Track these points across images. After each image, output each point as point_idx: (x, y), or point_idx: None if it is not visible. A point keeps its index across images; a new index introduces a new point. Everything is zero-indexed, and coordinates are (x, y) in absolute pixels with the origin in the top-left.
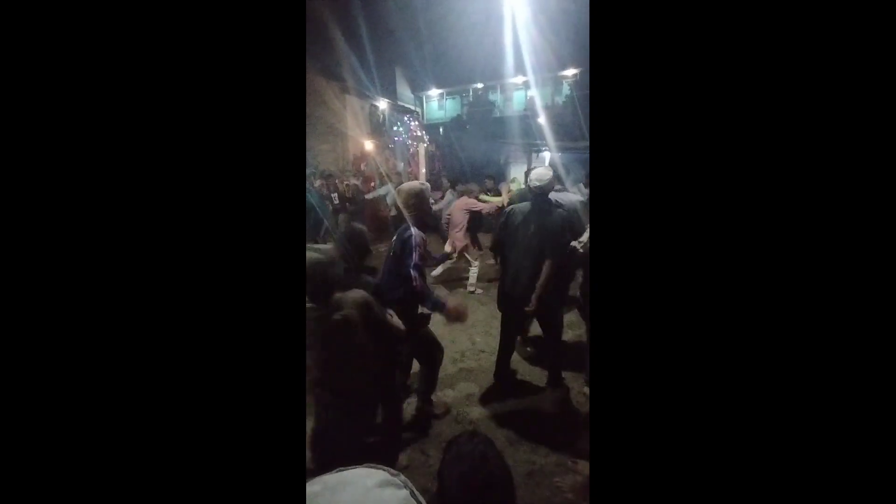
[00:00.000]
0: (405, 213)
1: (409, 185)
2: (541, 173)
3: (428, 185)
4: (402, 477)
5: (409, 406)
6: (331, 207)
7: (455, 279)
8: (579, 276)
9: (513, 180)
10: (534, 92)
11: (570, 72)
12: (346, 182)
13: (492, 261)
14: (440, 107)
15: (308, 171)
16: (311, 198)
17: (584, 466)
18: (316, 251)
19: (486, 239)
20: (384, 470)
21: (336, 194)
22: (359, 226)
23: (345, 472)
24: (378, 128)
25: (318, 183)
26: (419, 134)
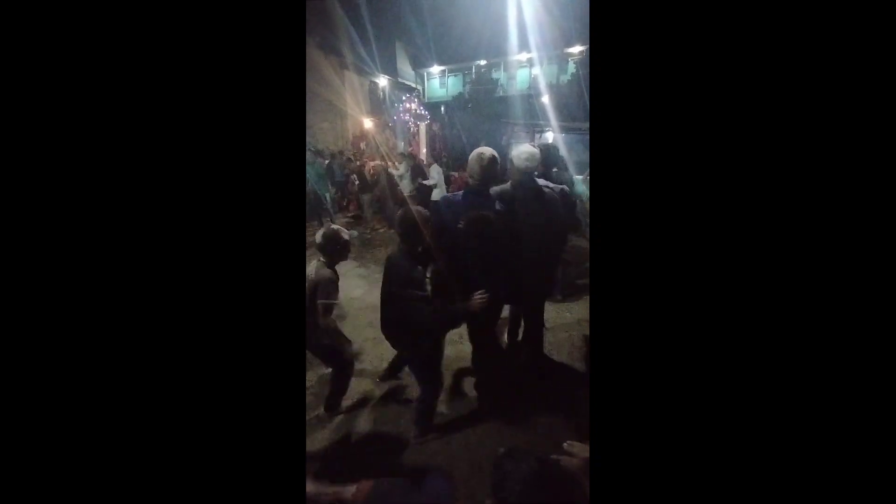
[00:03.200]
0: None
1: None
2: (528, 152)
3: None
4: None
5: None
6: (352, 189)
7: None
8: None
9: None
10: (538, 70)
11: (577, 49)
12: (372, 163)
13: None
14: (442, 84)
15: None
16: (311, 179)
17: (580, 449)
18: None
19: None
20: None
21: (354, 175)
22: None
23: None
24: (378, 106)
25: (326, 162)
26: (420, 112)
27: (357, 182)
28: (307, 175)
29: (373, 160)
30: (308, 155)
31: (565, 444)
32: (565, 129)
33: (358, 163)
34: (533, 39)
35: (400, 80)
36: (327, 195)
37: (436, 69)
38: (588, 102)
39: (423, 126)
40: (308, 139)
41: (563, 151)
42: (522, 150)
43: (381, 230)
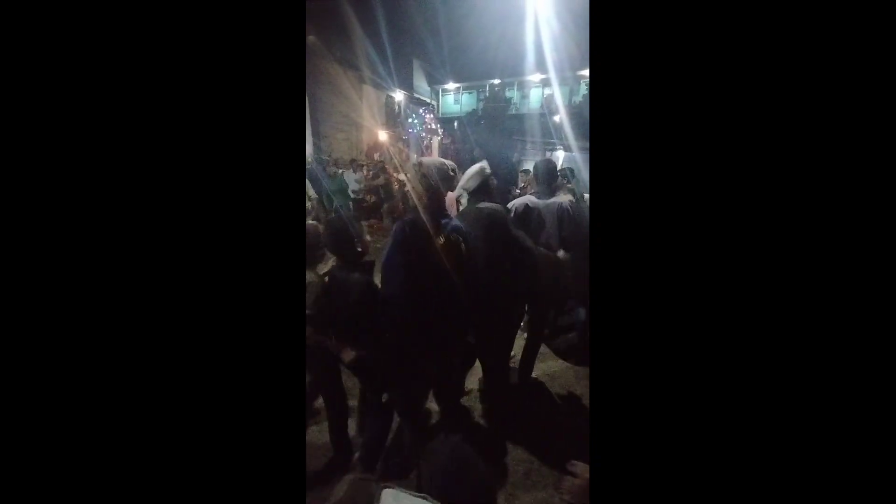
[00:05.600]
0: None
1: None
2: (472, 171)
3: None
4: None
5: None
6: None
7: None
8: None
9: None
10: (551, 90)
11: (588, 71)
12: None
13: None
14: (456, 101)
15: (323, 158)
16: (332, 187)
17: (583, 469)
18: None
19: None
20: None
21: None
22: (345, 216)
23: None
24: (393, 119)
25: (342, 172)
26: (434, 126)
27: (382, 192)
28: (329, 187)
29: (397, 171)
30: (323, 158)
31: (568, 465)
32: (577, 148)
33: (386, 174)
34: (549, 60)
35: (416, 95)
36: (349, 205)
37: (451, 86)
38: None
39: (435, 140)
40: (323, 147)
41: (579, 170)
42: (468, 170)
43: None
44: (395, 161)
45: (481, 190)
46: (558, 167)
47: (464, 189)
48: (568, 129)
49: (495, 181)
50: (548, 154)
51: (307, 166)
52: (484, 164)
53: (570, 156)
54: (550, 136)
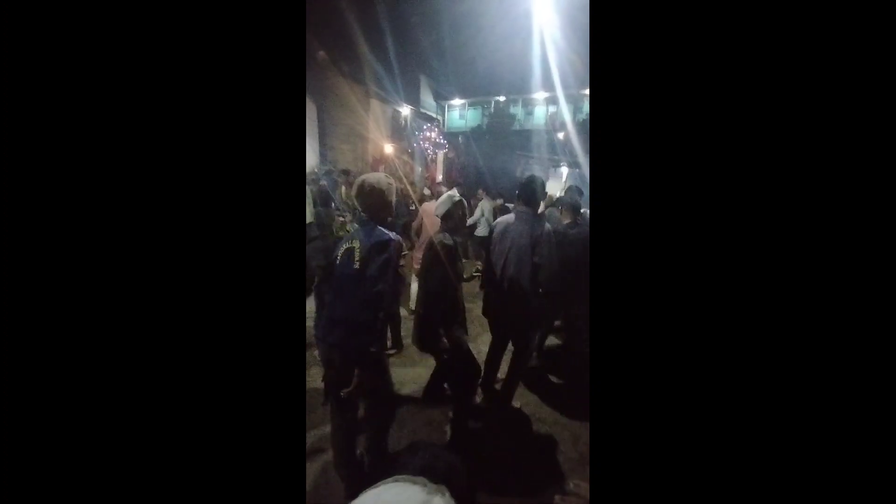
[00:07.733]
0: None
1: (373, 175)
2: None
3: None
4: (431, 487)
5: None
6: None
7: None
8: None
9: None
10: (555, 108)
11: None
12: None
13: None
14: (461, 116)
15: (327, 168)
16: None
17: (586, 489)
18: None
19: None
20: (418, 484)
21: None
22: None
23: (383, 493)
24: (399, 132)
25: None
26: (439, 141)
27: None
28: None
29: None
30: (327, 168)
31: (571, 485)
32: (579, 165)
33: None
34: (556, 78)
35: (422, 109)
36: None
37: (456, 101)
38: None
39: (440, 154)
40: (329, 157)
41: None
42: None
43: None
44: (401, 173)
45: (449, 216)
46: (562, 182)
47: (436, 215)
48: (576, 144)
49: (464, 209)
50: (552, 170)
51: (321, 182)
52: (453, 192)
53: (574, 172)
54: (555, 152)
